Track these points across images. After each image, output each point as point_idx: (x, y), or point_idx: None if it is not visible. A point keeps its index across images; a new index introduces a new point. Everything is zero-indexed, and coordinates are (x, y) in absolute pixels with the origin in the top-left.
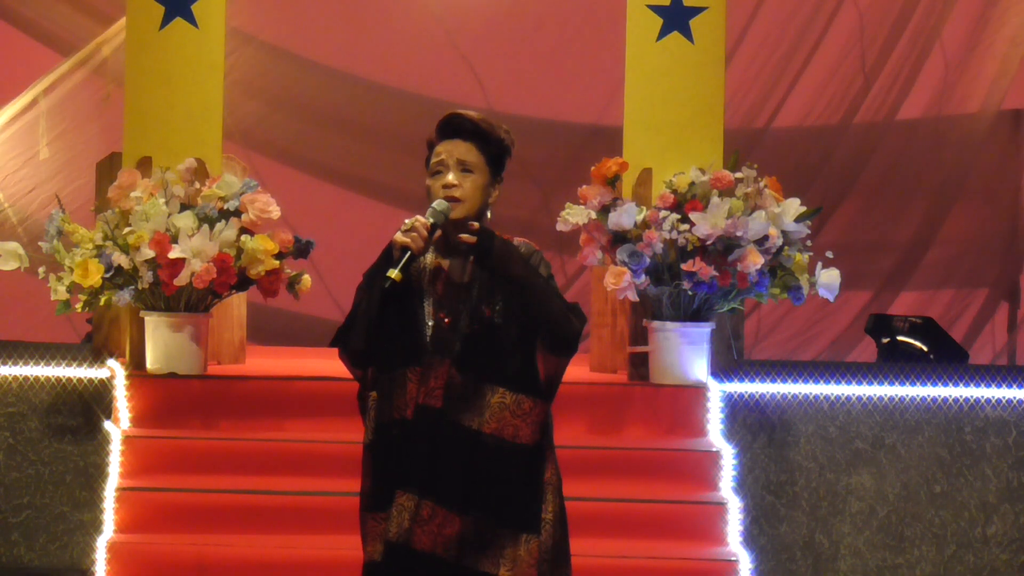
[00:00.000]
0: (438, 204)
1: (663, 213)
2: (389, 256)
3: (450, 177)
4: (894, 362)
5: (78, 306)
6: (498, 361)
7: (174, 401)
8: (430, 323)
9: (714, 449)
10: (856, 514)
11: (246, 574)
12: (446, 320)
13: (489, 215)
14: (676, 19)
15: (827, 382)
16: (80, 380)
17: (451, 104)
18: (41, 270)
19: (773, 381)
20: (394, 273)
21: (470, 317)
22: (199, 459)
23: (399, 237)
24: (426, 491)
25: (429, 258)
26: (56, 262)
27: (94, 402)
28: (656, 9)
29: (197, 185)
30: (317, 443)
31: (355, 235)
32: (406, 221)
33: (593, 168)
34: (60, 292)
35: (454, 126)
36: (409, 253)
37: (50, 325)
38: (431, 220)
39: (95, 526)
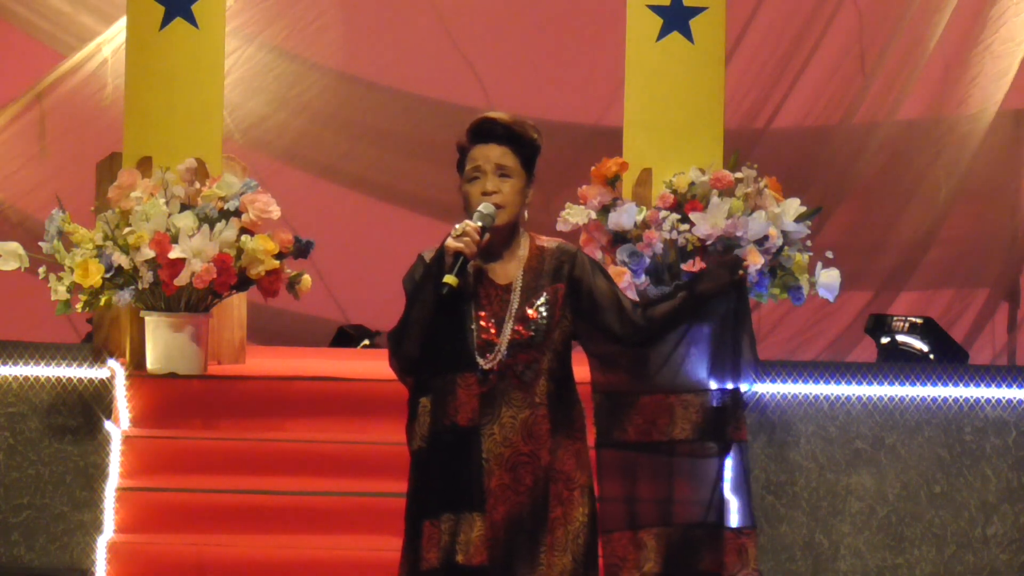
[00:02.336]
0: (485, 208)
1: (663, 213)
2: (436, 262)
3: (489, 185)
4: (894, 362)
5: (78, 306)
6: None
7: (174, 401)
8: (474, 327)
9: None
10: (856, 514)
11: (246, 574)
12: (491, 323)
13: (526, 215)
14: (676, 19)
15: (827, 382)
16: (80, 380)
17: (452, 104)
18: (41, 270)
19: (773, 381)
20: (451, 279)
21: (514, 319)
22: (199, 459)
23: (452, 243)
24: (480, 506)
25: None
26: (56, 262)
27: (94, 402)
28: (656, 9)
29: (197, 185)
30: (317, 443)
31: (355, 235)
32: (456, 227)
33: (593, 168)
34: (60, 292)
35: (487, 130)
36: (463, 258)
37: (50, 325)
38: (480, 224)
39: (95, 526)
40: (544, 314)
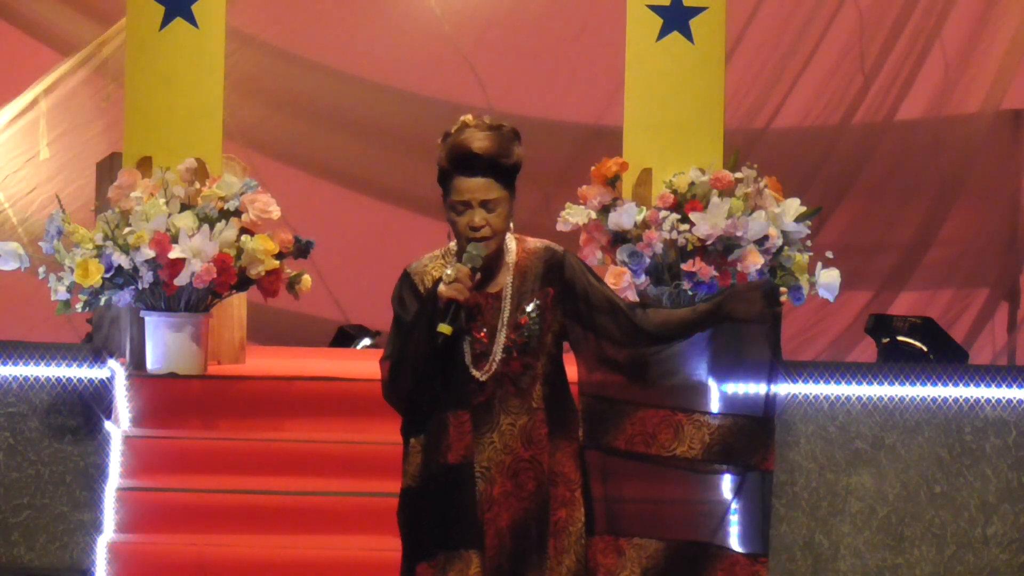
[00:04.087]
0: (473, 248)
1: (663, 213)
2: (429, 308)
3: (476, 219)
4: (894, 362)
5: (78, 306)
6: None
7: (174, 401)
8: (468, 338)
9: None
10: (856, 514)
11: (246, 574)
12: (483, 333)
13: (511, 224)
14: (676, 19)
15: (827, 382)
16: (80, 380)
17: (451, 103)
18: (41, 270)
19: None
20: (445, 328)
21: (506, 326)
22: (199, 459)
23: (444, 291)
24: (478, 543)
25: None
26: (56, 262)
27: (94, 402)
28: (656, 9)
29: (197, 185)
30: (317, 443)
31: (355, 235)
32: (447, 272)
33: (593, 168)
34: (60, 292)
35: (469, 163)
36: (455, 304)
37: (50, 325)
38: (470, 266)
39: (95, 526)
40: (535, 318)
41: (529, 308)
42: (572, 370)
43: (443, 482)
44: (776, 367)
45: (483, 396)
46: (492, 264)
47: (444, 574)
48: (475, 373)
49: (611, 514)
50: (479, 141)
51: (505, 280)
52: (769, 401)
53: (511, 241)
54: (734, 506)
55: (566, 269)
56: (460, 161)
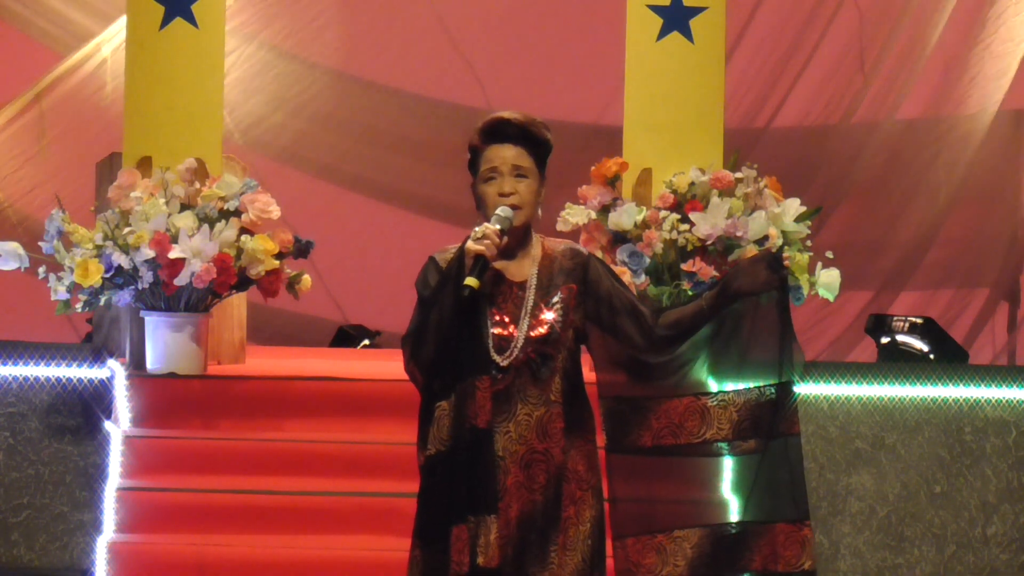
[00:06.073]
0: (503, 211)
1: (663, 213)
2: (455, 266)
3: (506, 186)
4: (894, 362)
5: (78, 306)
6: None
7: (174, 401)
8: (490, 325)
9: None
10: (856, 514)
11: (246, 574)
12: (507, 320)
13: (539, 213)
14: (676, 19)
15: (827, 382)
16: (80, 380)
17: (451, 104)
18: (41, 270)
19: None
20: (472, 281)
21: (529, 315)
22: (199, 459)
23: (472, 246)
24: (494, 507)
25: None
26: (56, 262)
27: (94, 402)
28: (656, 9)
29: (197, 185)
30: (317, 443)
31: (355, 235)
32: (476, 229)
33: (593, 168)
34: (60, 292)
35: (502, 131)
36: (483, 260)
37: (50, 325)
38: (498, 227)
39: (95, 526)
40: (560, 310)
41: (554, 300)
42: (587, 372)
43: (472, 445)
44: (788, 331)
45: (502, 384)
46: (517, 246)
47: (477, 537)
48: (497, 358)
49: (644, 514)
50: (512, 113)
51: (530, 271)
52: (786, 365)
53: (536, 237)
54: (763, 477)
55: (590, 270)
56: (492, 129)
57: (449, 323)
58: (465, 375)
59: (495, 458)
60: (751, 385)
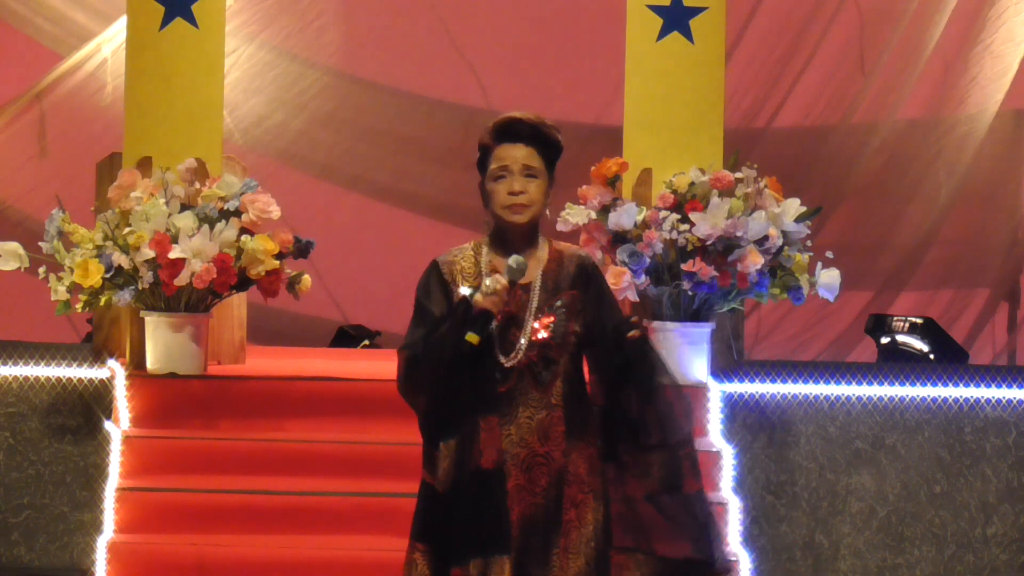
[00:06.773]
0: (515, 262)
1: (663, 213)
2: (460, 312)
3: (516, 185)
4: (894, 362)
5: (78, 306)
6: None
7: (174, 401)
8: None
9: (714, 449)
10: (856, 514)
11: (246, 574)
12: (511, 321)
13: (547, 213)
14: (676, 19)
15: (827, 382)
16: (80, 380)
17: (451, 104)
18: (41, 270)
19: (773, 381)
20: (473, 337)
21: (533, 317)
22: (199, 459)
23: (480, 300)
24: (507, 548)
25: (485, 259)
26: (56, 262)
27: (94, 402)
28: (656, 9)
29: (197, 185)
30: (317, 443)
31: (355, 235)
32: (487, 282)
33: (593, 168)
34: (60, 292)
35: (513, 130)
36: (489, 315)
37: (50, 325)
38: (509, 279)
39: (95, 526)
40: (563, 314)
41: (557, 303)
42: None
43: (476, 487)
44: (662, 388)
45: (504, 386)
46: (524, 247)
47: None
48: (501, 359)
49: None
50: (524, 113)
51: (536, 273)
52: (672, 425)
53: (543, 239)
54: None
55: (595, 282)
56: (505, 128)
57: (447, 367)
58: (468, 415)
59: (503, 497)
60: (656, 444)
